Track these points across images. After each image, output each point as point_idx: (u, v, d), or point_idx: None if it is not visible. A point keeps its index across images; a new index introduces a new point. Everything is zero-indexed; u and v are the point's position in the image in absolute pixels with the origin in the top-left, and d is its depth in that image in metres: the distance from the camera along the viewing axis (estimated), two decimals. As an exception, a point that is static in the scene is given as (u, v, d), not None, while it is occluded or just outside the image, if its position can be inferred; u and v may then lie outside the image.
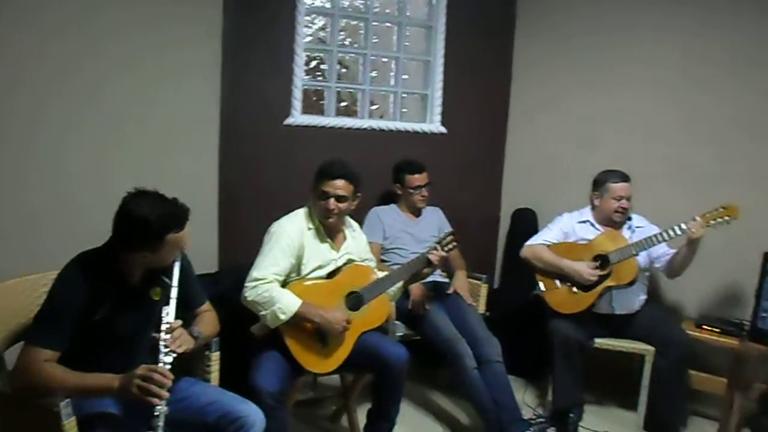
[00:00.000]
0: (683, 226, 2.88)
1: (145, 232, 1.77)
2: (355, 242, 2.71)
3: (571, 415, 3.10)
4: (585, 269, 3.00)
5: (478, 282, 3.38)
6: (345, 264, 2.61)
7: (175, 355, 1.82)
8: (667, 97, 3.50)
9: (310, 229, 2.56)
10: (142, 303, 1.92)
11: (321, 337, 2.45)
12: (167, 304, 1.89)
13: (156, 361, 1.78)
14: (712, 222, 2.86)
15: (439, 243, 2.67)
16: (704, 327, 3.13)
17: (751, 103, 3.30)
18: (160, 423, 1.70)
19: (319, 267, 2.54)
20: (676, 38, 3.45)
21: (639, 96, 3.58)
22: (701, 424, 3.22)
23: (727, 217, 2.85)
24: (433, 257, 2.59)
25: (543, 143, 3.87)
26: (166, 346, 1.81)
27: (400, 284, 2.66)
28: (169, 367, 1.77)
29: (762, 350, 2.84)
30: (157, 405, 1.68)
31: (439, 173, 3.51)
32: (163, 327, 1.84)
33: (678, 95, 3.47)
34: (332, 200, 2.52)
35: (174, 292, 1.91)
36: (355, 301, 2.52)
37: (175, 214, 1.83)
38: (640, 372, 3.11)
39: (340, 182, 2.53)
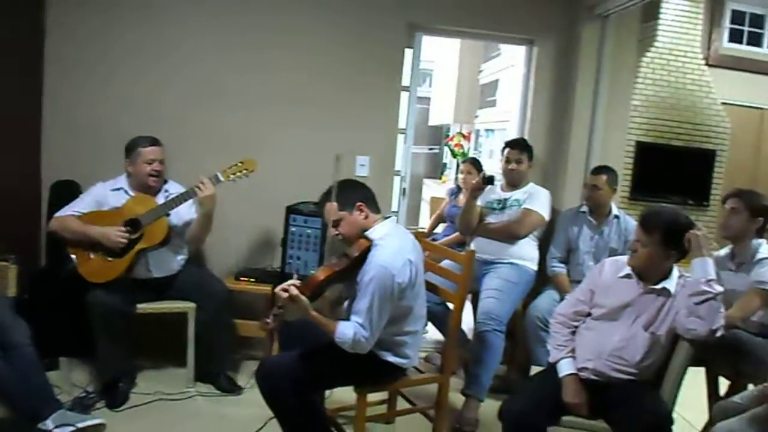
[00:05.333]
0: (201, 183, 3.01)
1: None
2: None
3: (121, 384, 3.08)
4: (112, 231, 2.94)
5: (6, 264, 3.06)
6: None
7: None
8: (205, 66, 3.65)
9: None
10: None
11: None
12: None
13: None
14: (232, 176, 3.07)
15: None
16: (242, 278, 3.41)
17: (282, 76, 3.68)
18: None
19: None
20: (211, 8, 3.62)
21: (178, 64, 3.64)
22: (251, 366, 3.52)
23: (245, 170, 3.09)
24: None
25: (84, 113, 3.62)
26: None
27: None
28: None
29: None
30: None
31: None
32: None
33: (212, 64, 3.65)
34: None
35: None
36: None
37: None
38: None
39: None
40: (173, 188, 3.18)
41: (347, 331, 2.27)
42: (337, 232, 2.42)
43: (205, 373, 3.29)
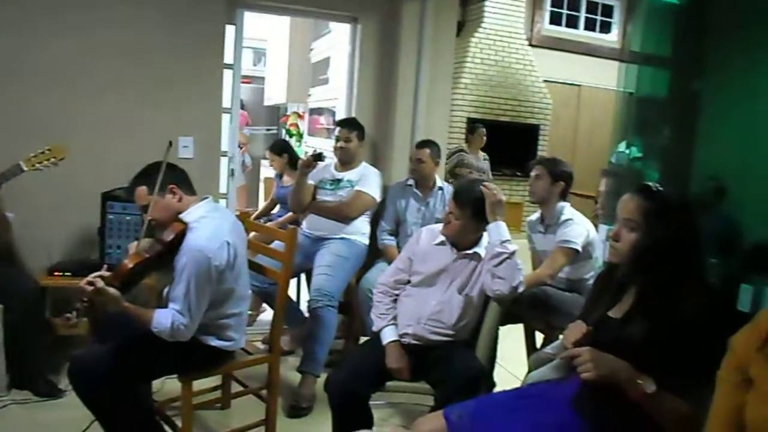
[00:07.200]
0: None
1: None
2: None
3: None
4: None
5: None
6: None
7: None
8: (8, 44, 3.30)
9: None
10: None
11: None
12: None
13: None
14: (39, 165, 2.82)
15: None
16: (56, 273, 3.17)
17: (94, 54, 3.42)
18: None
19: None
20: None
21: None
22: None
23: (53, 158, 2.86)
24: None
25: None
26: None
27: None
28: None
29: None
30: None
31: None
32: None
33: (17, 41, 3.32)
34: None
35: None
36: None
37: None
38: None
39: None
40: None
41: (164, 320, 2.18)
42: (150, 218, 2.31)
43: (20, 379, 3.02)
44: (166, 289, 2.44)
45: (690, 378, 1.52)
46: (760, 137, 2.77)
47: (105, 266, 2.21)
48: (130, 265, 2.17)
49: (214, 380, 2.87)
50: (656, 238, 1.61)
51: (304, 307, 3.74)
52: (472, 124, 6.55)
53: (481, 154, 6.47)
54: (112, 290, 2.12)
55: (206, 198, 2.42)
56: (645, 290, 1.66)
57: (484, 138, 6.36)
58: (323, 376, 3.08)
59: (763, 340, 1.31)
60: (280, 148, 4.70)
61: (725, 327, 1.43)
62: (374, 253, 3.61)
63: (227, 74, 3.72)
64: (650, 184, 1.72)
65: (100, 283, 2.10)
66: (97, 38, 3.42)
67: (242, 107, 7.32)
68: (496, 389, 2.87)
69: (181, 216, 2.29)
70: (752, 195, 2.76)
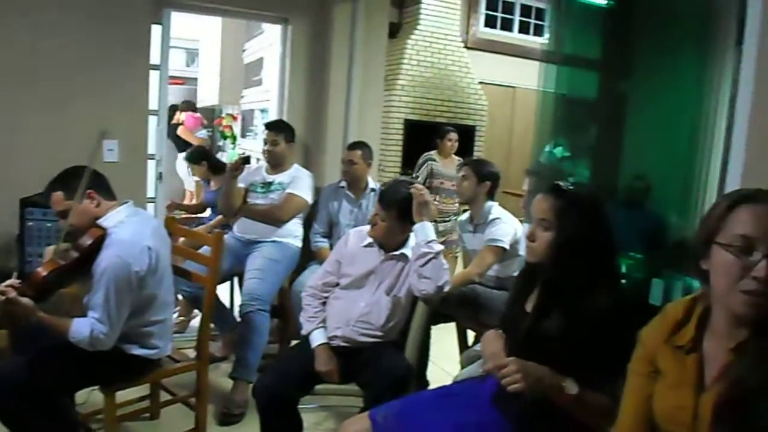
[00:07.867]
0: None
1: None
2: None
3: None
4: None
5: None
6: None
7: None
8: None
9: None
10: None
11: None
12: None
13: None
14: None
15: None
16: (-30, 283, 3.02)
17: (11, 54, 3.29)
18: None
19: None
20: None
21: None
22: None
23: None
24: None
25: None
26: None
27: None
28: None
29: None
30: None
31: None
32: None
33: None
34: None
35: None
36: None
37: None
38: None
39: None
40: None
41: (82, 329, 2.11)
42: (68, 224, 2.23)
43: None
44: (86, 298, 2.36)
45: (606, 372, 1.55)
46: (678, 137, 2.89)
47: (15, 274, 2.12)
48: (44, 273, 2.09)
49: (142, 390, 2.79)
50: (568, 236, 1.65)
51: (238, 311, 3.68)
52: (443, 128, 5.88)
53: (455, 159, 5.64)
54: (25, 300, 2.04)
55: (126, 202, 2.35)
56: (550, 284, 1.70)
57: (456, 143, 5.54)
58: (256, 382, 3.07)
59: (669, 332, 1.35)
60: (198, 157, 4.61)
61: (638, 321, 1.48)
62: (307, 256, 3.59)
63: (154, 75, 3.63)
64: (561, 183, 1.76)
65: (12, 293, 2.02)
66: (13, 35, 3.28)
67: (195, 110, 7.13)
68: (431, 388, 2.90)
69: (99, 221, 2.22)
70: (671, 193, 2.88)
